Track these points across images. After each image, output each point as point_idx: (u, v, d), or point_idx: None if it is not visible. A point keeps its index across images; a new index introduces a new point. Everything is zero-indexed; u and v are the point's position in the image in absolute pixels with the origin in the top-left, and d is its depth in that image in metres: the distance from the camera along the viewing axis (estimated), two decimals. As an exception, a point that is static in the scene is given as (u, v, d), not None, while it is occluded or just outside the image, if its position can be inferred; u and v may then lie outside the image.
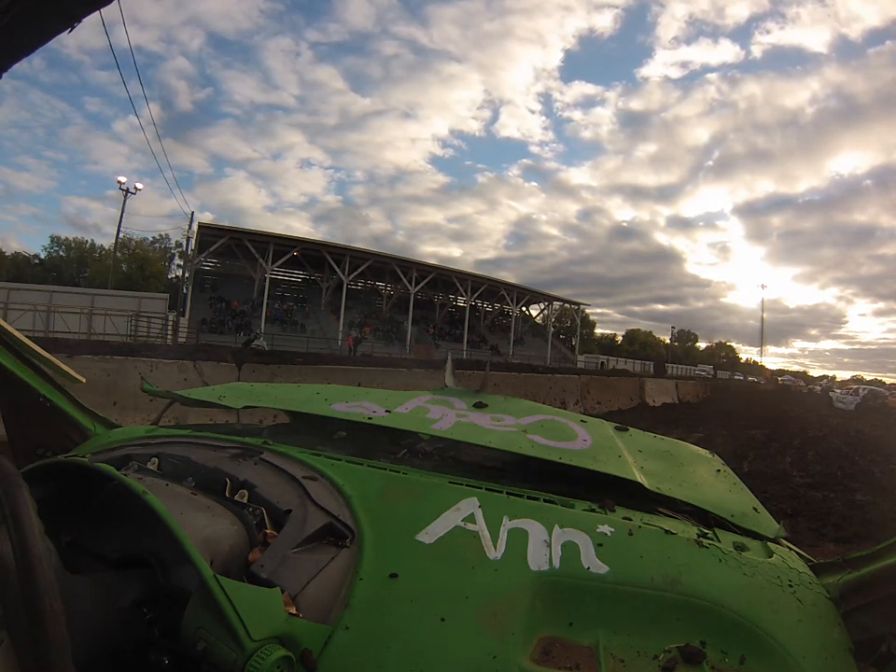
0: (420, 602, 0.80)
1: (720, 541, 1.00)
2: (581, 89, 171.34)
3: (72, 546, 0.88)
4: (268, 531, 0.90)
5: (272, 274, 32.98)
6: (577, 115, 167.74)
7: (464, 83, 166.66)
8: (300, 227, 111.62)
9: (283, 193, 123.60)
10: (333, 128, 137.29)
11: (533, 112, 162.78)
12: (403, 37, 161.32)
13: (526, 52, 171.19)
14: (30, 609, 0.52)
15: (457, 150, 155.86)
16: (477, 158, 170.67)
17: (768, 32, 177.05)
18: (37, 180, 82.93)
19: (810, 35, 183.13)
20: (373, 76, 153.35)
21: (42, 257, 51.59)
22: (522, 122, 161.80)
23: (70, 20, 0.86)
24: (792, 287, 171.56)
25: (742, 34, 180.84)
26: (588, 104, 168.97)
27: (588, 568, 0.88)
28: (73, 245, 53.18)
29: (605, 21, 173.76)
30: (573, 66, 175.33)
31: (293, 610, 0.72)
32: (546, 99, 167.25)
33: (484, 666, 0.72)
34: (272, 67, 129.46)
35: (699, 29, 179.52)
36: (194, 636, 0.64)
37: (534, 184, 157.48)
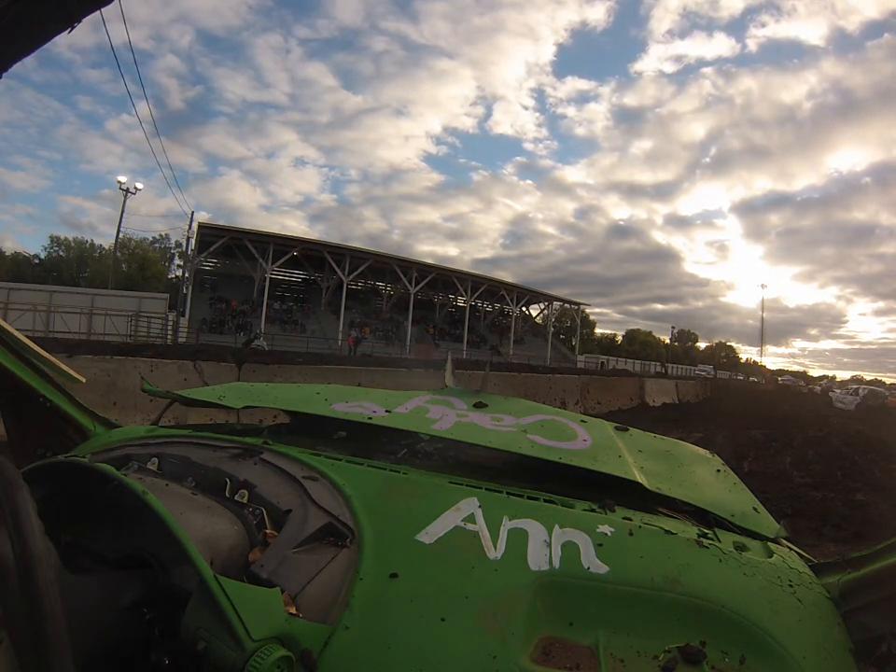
0: (420, 602, 0.80)
1: (720, 541, 1.00)
2: (575, 84, 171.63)
3: (72, 546, 0.88)
4: (268, 531, 0.90)
5: (272, 274, 32.96)
6: (571, 111, 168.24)
7: (456, 79, 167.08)
8: (295, 226, 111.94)
9: (278, 192, 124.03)
10: (326, 126, 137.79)
11: (526, 108, 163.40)
12: (393, 33, 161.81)
13: (518, 47, 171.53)
14: (30, 610, 0.52)
15: (451, 148, 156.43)
16: (471, 155, 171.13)
17: (763, 25, 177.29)
18: (32, 179, 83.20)
19: (807, 27, 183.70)
20: (364, 72, 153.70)
21: (42, 257, 51.66)
22: (515, 119, 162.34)
23: (70, 20, 0.86)
24: (792, 287, 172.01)
25: (737, 27, 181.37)
26: (582, 99, 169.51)
27: (588, 568, 0.87)
28: (73, 245, 53.24)
29: (597, 14, 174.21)
30: (566, 61, 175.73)
31: (293, 610, 0.72)
32: (539, 95, 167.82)
33: (484, 666, 0.72)
34: (262, 65, 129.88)
35: (693, 22, 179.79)
36: (194, 636, 0.63)
37: (529, 182, 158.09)
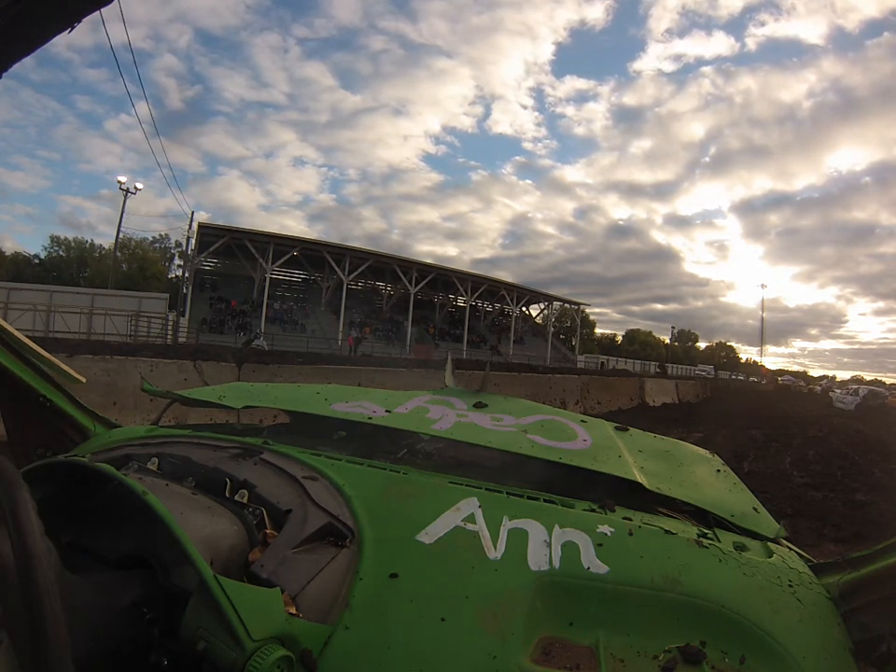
0: (420, 602, 0.80)
1: (720, 541, 1.01)
2: (573, 83, 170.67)
3: (72, 546, 0.88)
4: (268, 531, 0.90)
5: (272, 274, 32.94)
6: (570, 110, 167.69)
7: (454, 78, 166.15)
8: (295, 226, 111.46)
9: (277, 192, 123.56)
10: (324, 125, 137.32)
11: (525, 107, 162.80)
12: (391, 32, 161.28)
13: (517, 46, 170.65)
14: (30, 610, 0.52)
15: (450, 147, 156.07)
16: (470, 155, 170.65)
17: (763, 24, 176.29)
18: (31, 179, 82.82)
19: (806, 26, 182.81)
20: (363, 72, 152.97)
21: (42, 257, 51.57)
22: (514, 118, 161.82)
23: (70, 19, 0.86)
24: (791, 286, 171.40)
25: (736, 25, 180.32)
26: (581, 98, 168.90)
27: (588, 568, 0.88)
28: (73, 244, 53.17)
29: (596, 13, 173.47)
30: (564, 60, 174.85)
31: (293, 610, 0.72)
32: (538, 94, 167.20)
33: (484, 666, 0.72)
34: (260, 64, 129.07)
35: (692, 21, 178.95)
36: (194, 636, 0.64)
37: (528, 181, 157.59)
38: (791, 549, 1.06)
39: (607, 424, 1.81)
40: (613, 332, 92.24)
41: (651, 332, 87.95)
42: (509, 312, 44.50)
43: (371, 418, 1.53)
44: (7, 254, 49.77)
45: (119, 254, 42.65)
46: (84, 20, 0.88)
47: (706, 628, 0.79)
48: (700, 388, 24.04)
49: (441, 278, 38.51)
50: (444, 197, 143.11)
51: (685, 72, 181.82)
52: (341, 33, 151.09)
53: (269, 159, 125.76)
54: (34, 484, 0.65)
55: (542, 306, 47.98)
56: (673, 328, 68.19)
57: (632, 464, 1.37)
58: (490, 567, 0.87)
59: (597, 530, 0.97)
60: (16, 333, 1.29)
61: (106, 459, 1.08)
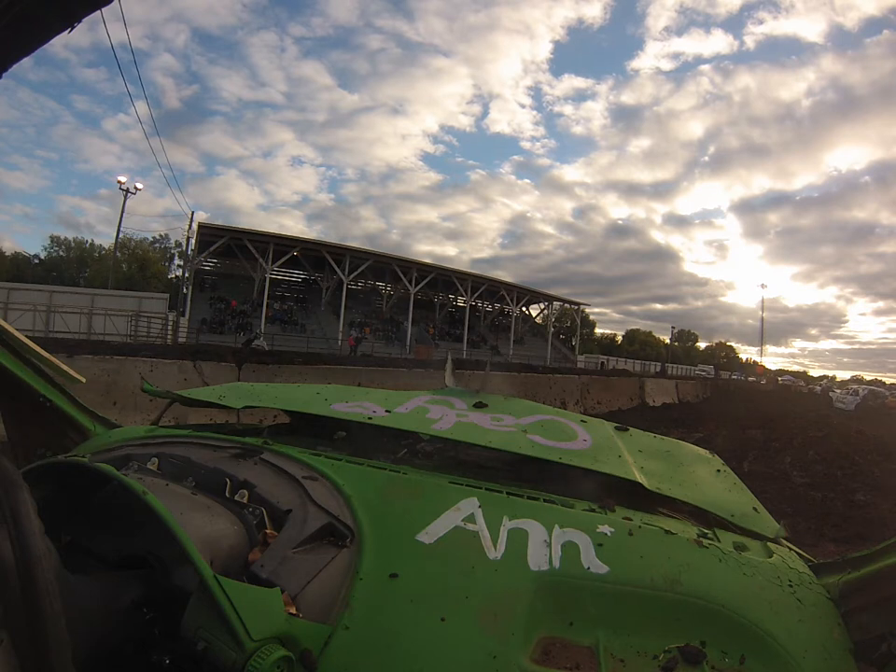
0: (420, 602, 0.80)
1: (720, 541, 1.01)
2: (572, 82, 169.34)
3: (72, 546, 0.88)
4: (268, 531, 0.90)
5: (272, 274, 32.95)
6: (568, 109, 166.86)
7: (452, 77, 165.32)
8: (293, 225, 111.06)
9: (275, 192, 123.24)
10: (322, 125, 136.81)
11: (523, 106, 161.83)
12: (388, 31, 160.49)
13: (514, 44, 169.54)
14: (30, 609, 0.52)
15: (448, 146, 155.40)
16: (468, 154, 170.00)
17: (761, 21, 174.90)
18: (30, 179, 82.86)
19: (805, 24, 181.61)
20: (360, 71, 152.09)
21: (42, 257, 51.60)
22: (512, 117, 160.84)
23: (70, 19, 0.86)
24: (791, 286, 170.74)
25: (735, 23, 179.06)
26: (579, 97, 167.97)
27: (588, 568, 0.88)
28: (73, 245, 53.19)
29: (594, 11, 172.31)
30: (562, 59, 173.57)
31: (293, 610, 0.72)
32: (536, 93, 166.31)
33: (484, 666, 0.72)
34: (257, 63, 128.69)
35: (690, 19, 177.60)
36: (194, 636, 0.64)
37: (527, 181, 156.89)
38: (791, 549, 1.06)
39: (607, 424, 1.81)
40: (613, 332, 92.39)
41: (651, 332, 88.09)
42: (509, 312, 44.48)
43: (371, 418, 1.53)
44: (7, 254, 49.85)
45: (118, 254, 42.65)
46: (84, 20, 0.88)
47: (706, 628, 0.79)
48: (700, 388, 24.03)
49: (440, 278, 38.50)
50: (443, 196, 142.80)
51: (683, 70, 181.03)
52: (338, 32, 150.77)
53: (267, 158, 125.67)
54: (34, 484, 0.65)
55: (542, 306, 48.00)
56: (673, 328, 68.23)
57: (632, 464, 1.37)
58: (490, 567, 0.87)
59: (597, 530, 0.97)
60: (16, 333, 1.29)
61: (106, 459, 1.08)
